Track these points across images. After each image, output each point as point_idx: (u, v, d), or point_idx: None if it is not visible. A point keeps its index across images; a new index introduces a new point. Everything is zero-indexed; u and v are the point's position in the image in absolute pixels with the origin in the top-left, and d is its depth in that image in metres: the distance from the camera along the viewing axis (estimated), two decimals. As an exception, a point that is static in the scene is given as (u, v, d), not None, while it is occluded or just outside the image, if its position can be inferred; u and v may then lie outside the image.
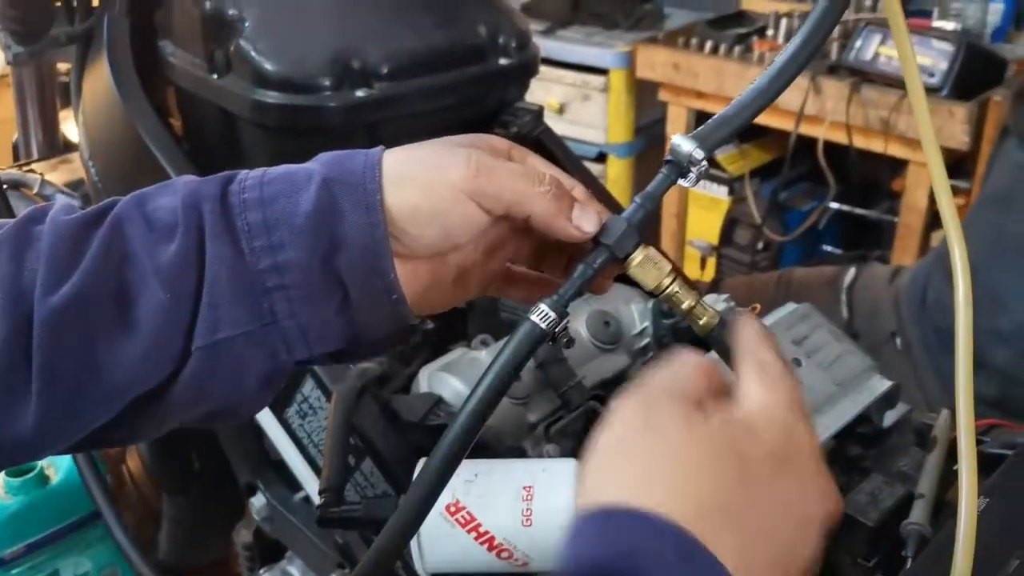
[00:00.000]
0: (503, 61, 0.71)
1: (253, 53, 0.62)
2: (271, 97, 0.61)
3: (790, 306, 0.56)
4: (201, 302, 0.41)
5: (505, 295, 0.47)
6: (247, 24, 0.63)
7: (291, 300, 0.41)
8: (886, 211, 1.88)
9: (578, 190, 0.43)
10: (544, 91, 2.34)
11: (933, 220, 1.79)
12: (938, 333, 0.86)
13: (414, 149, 0.43)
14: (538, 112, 0.75)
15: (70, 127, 0.97)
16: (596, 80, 2.26)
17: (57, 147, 0.93)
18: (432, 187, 0.40)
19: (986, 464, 0.52)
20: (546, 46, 2.30)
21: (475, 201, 0.40)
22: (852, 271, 1.03)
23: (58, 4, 0.84)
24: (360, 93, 0.63)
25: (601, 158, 2.37)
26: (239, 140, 0.67)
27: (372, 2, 0.68)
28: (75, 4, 0.83)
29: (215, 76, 0.65)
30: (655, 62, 2.02)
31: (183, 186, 0.42)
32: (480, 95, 0.70)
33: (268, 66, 0.61)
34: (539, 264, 0.45)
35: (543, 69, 2.63)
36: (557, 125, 2.42)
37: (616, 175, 2.35)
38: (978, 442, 0.54)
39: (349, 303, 0.42)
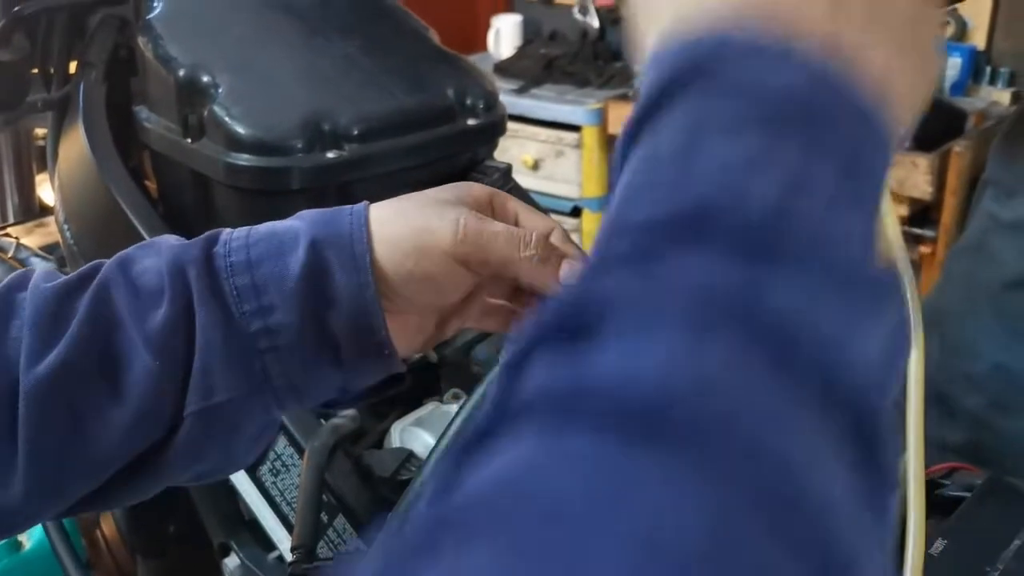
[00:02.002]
0: (471, 121, 0.72)
1: (226, 118, 0.64)
2: (244, 160, 0.63)
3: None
4: (192, 367, 0.41)
5: (482, 327, 0.47)
6: (220, 90, 0.65)
7: (283, 360, 0.42)
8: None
9: (556, 233, 0.44)
10: (519, 148, 2.38)
11: (902, 268, 1.82)
12: (931, 395, 0.87)
13: (401, 205, 0.43)
14: (506, 169, 0.77)
15: (46, 191, 0.98)
16: (569, 136, 2.30)
17: (33, 211, 0.94)
18: (422, 252, 0.41)
19: (946, 507, 0.53)
20: (520, 104, 2.36)
21: (464, 265, 0.41)
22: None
23: (35, 72, 0.85)
24: (331, 155, 0.64)
25: (576, 212, 2.41)
26: (213, 202, 0.68)
27: (343, 67, 0.70)
28: (52, 72, 0.84)
29: (189, 140, 0.66)
30: (626, 118, 2.06)
31: (167, 248, 0.43)
32: (450, 155, 0.72)
33: (240, 130, 0.63)
34: (516, 298, 0.46)
35: (518, 126, 2.68)
36: (532, 181, 2.47)
37: (591, 228, 2.38)
38: (939, 485, 0.55)
39: (341, 359, 0.42)
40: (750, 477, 0.19)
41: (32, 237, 0.87)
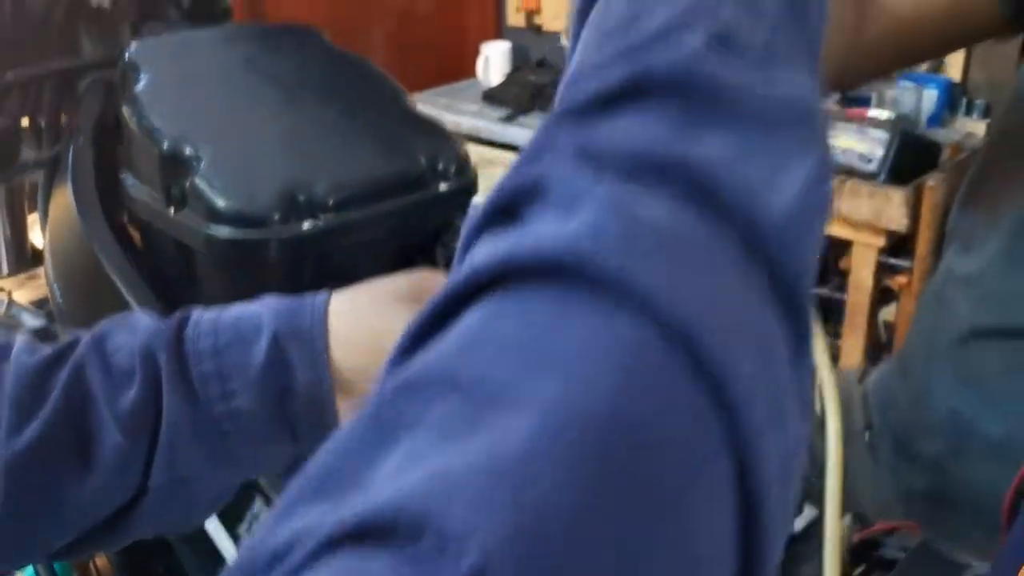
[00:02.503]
0: (443, 186, 0.76)
1: (207, 190, 0.67)
2: (223, 232, 0.66)
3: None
4: (158, 443, 0.44)
5: None
6: (202, 162, 0.68)
7: (244, 439, 0.45)
8: (835, 289, 1.95)
9: None
10: (507, 175, 2.41)
11: (880, 298, 1.86)
12: (896, 437, 0.90)
13: (358, 303, 0.47)
14: (478, 230, 0.80)
15: (37, 233, 1.01)
16: (556, 164, 2.33)
17: (25, 260, 0.97)
18: (377, 351, 0.44)
19: (886, 567, 0.56)
20: (507, 133, 2.40)
21: None
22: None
23: (25, 125, 0.88)
24: (307, 225, 0.67)
25: (563, 238, 2.43)
26: (195, 267, 0.71)
27: (320, 134, 0.73)
28: (43, 128, 0.88)
29: (172, 210, 0.69)
30: None
31: (142, 328, 0.46)
32: (422, 220, 0.75)
33: (220, 202, 0.66)
34: None
35: (506, 155, 2.72)
36: (520, 207, 2.49)
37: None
38: (879, 545, 0.59)
39: (297, 436, 0.46)
40: (668, 314, 0.21)
41: (24, 291, 0.90)
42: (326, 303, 0.46)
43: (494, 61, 2.68)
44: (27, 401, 0.44)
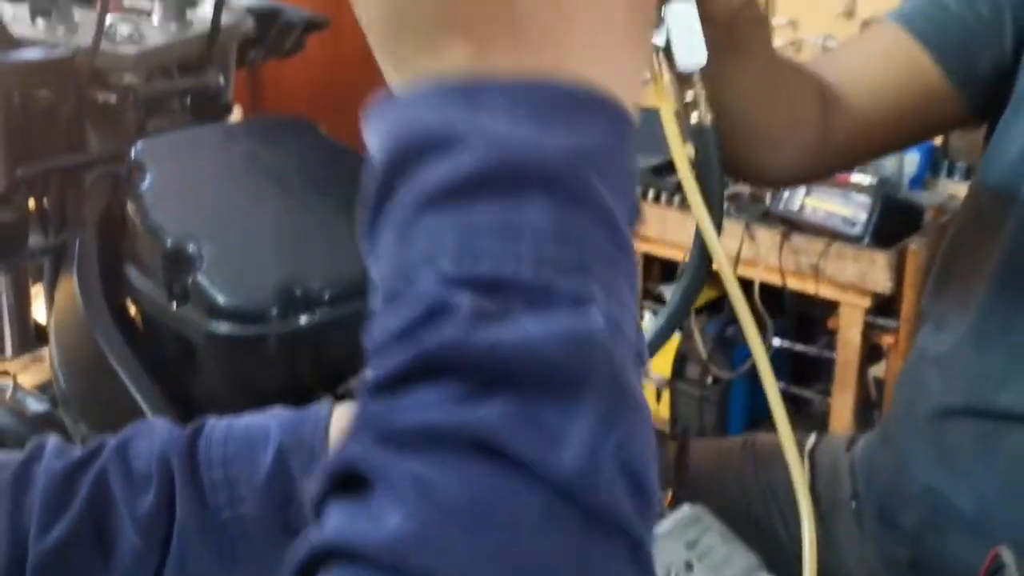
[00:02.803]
0: (435, 275, 0.79)
1: (209, 287, 0.70)
2: (223, 328, 0.69)
3: (685, 509, 0.64)
4: (171, 545, 0.48)
5: None
6: (204, 260, 0.71)
7: (251, 543, 0.49)
8: (824, 347, 1.98)
9: None
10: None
11: (869, 356, 1.89)
12: (879, 507, 0.93)
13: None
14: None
15: (39, 308, 1.03)
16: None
17: (30, 342, 0.99)
18: None
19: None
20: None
21: None
22: (813, 437, 1.11)
23: (32, 209, 0.92)
24: (303, 320, 0.71)
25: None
26: (194, 359, 0.74)
27: (314, 230, 0.77)
28: (49, 217, 0.91)
29: (173, 305, 0.73)
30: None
31: (159, 434, 0.50)
32: (414, 308, 0.78)
33: (221, 299, 0.69)
34: None
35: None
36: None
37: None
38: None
39: None
40: None
41: (28, 374, 0.93)
42: (328, 415, 0.49)
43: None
44: (55, 503, 0.48)
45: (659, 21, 0.49)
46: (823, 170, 0.84)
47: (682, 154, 0.51)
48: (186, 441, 0.49)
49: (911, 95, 0.78)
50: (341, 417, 0.49)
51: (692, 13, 0.49)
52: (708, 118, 0.54)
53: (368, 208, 0.31)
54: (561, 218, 0.27)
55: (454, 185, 0.28)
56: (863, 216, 1.74)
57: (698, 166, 0.53)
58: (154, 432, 0.51)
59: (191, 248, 0.72)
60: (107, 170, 0.87)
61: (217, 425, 0.50)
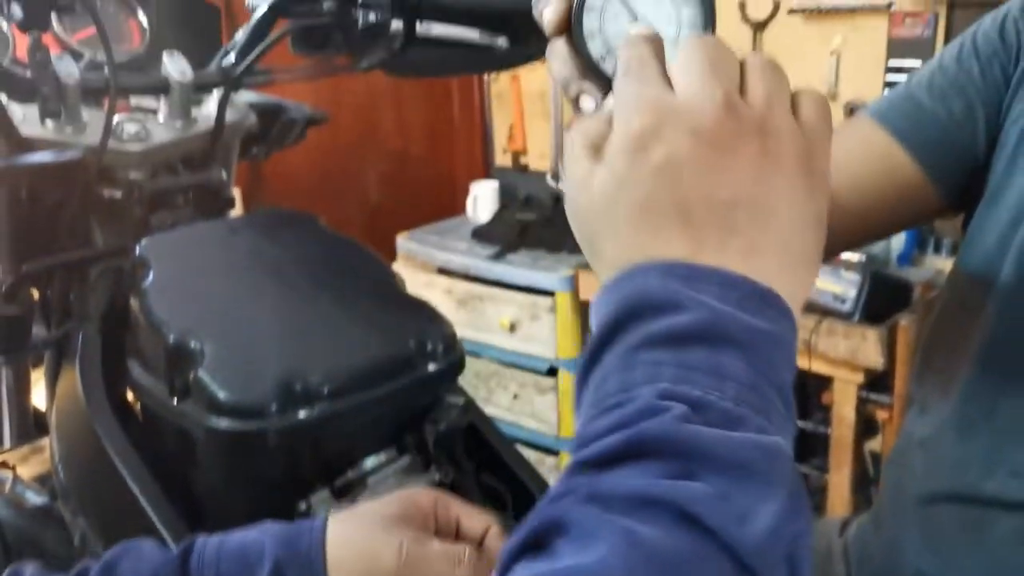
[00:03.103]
0: (432, 367, 0.80)
1: (210, 383, 0.71)
2: (223, 424, 0.70)
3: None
4: None
5: None
6: (206, 356, 0.73)
7: None
8: (820, 423, 1.98)
9: (492, 532, 0.52)
10: (496, 311, 2.48)
11: (864, 431, 1.89)
12: None
13: (351, 527, 0.51)
14: (466, 405, 0.85)
15: (40, 393, 1.04)
16: (544, 301, 2.40)
17: (29, 433, 1.00)
18: (370, 573, 0.49)
19: None
20: (496, 270, 2.48)
21: None
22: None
23: (35, 301, 0.94)
24: (302, 415, 0.72)
25: (552, 372, 2.48)
26: (195, 453, 0.75)
27: (314, 324, 0.79)
28: (53, 310, 0.93)
29: (175, 401, 0.74)
30: (596, 285, 2.17)
31: (148, 558, 0.50)
32: (412, 400, 0.80)
33: (221, 396, 0.71)
34: None
35: (496, 291, 2.77)
36: (510, 342, 2.55)
37: (566, 387, 2.45)
38: None
39: None
40: None
41: (28, 466, 0.93)
42: (323, 527, 0.50)
43: (483, 199, 2.79)
44: None
45: None
46: None
47: None
48: (178, 562, 0.50)
49: (889, 188, 0.81)
50: (336, 528, 0.50)
51: None
52: None
53: (586, 356, 0.38)
54: (754, 375, 0.35)
55: (673, 333, 0.35)
56: (853, 293, 1.77)
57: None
58: (142, 554, 0.51)
59: (193, 344, 0.74)
60: (111, 264, 0.89)
61: (209, 542, 0.51)
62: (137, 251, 0.82)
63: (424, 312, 0.85)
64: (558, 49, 0.52)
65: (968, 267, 0.82)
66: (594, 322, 0.39)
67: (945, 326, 0.87)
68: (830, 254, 0.96)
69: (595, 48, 0.50)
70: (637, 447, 0.32)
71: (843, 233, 0.83)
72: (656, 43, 0.44)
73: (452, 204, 2.94)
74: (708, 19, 0.51)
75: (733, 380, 0.34)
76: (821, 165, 0.42)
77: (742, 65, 0.41)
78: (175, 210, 0.94)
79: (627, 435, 0.33)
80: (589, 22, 0.50)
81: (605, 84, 0.51)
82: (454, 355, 0.85)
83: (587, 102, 0.52)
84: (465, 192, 2.85)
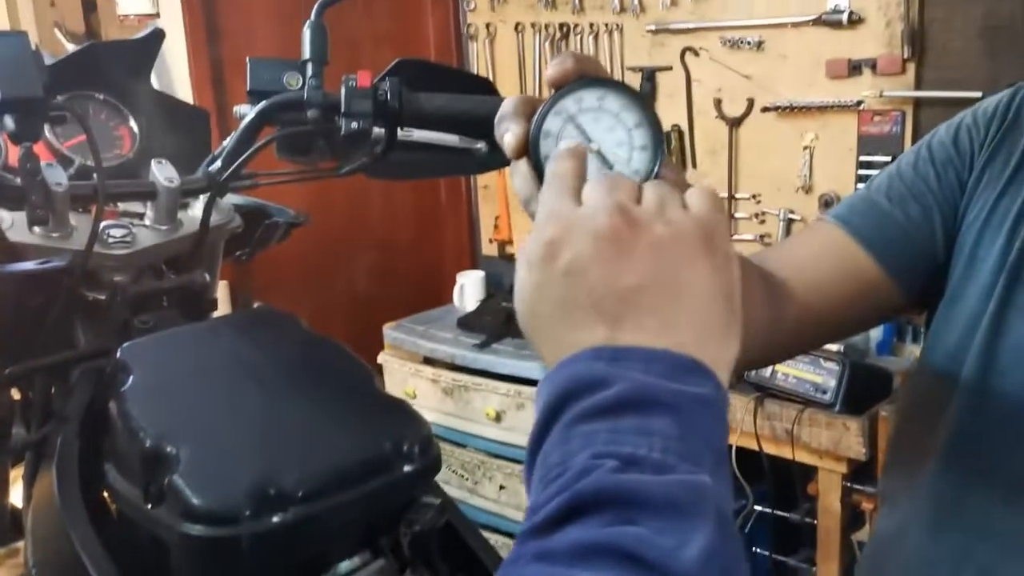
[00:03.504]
0: (408, 468, 0.81)
1: (184, 489, 0.72)
2: (196, 530, 0.70)
3: None
4: None
5: None
6: (181, 461, 0.74)
7: None
8: (806, 514, 1.97)
9: None
10: (482, 400, 2.48)
11: (851, 522, 1.88)
12: None
13: None
14: (442, 505, 0.85)
15: (17, 491, 1.04)
16: (529, 390, 2.40)
17: (5, 532, 1.00)
18: None
19: None
20: (481, 359, 2.49)
21: None
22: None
23: (16, 398, 0.94)
24: (276, 519, 0.72)
25: (538, 463, 2.46)
26: (168, 558, 0.75)
27: (290, 426, 0.80)
28: (33, 410, 0.94)
29: (149, 505, 0.74)
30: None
31: None
32: (387, 501, 0.80)
33: (195, 502, 0.71)
34: None
35: (481, 380, 2.76)
36: (495, 432, 2.54)
37: (553, 479, 2.42)
38: None
39: None
40: None
41: (3, 568, 0.93)
42: None
43: (469, 289, 2.82)
44: None
45: None
46: (776, 355, 0.88)
47: None
48: None
49: (853, 287, 0.83)
50: None
51: None
52: None
53: (530, 441, 0.42)
54: (682, 430, 0.39)
55: (604, 405, 0.39)
56: (833, 383, 1.79)
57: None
58: None
59: (168, 449, 0.74)
60: (93, 366, 0.90)
61: None
62: (118, 354, 0.83)
63: (401, 412, 0.86)
64: (519, 169, 0.55)
65: (932, 365, 0.84)
66: (535, 412, 0.43)
67: (911, 422, 0.88)
68: (803, 350, 0.98)
69: None
70: (576, 505, 0.36)
71: (812, 330, 0.85)
72: (577, 159, 0.50)
73: (439, 294, 2.97)
74: (658, 142, 0.54)
75: (660, 435, 0.38)
76: (721, 245, 0.46)
77: (640, 187, 0.48)
78: (158, 311, 0.95)
79: (566, 496, 0.36)
80: (546, 146, 0.54)
81: None
82: (430, 455, 0.86)
83: None
84: (452, 282, 2.88)
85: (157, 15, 2.15)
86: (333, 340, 0.94)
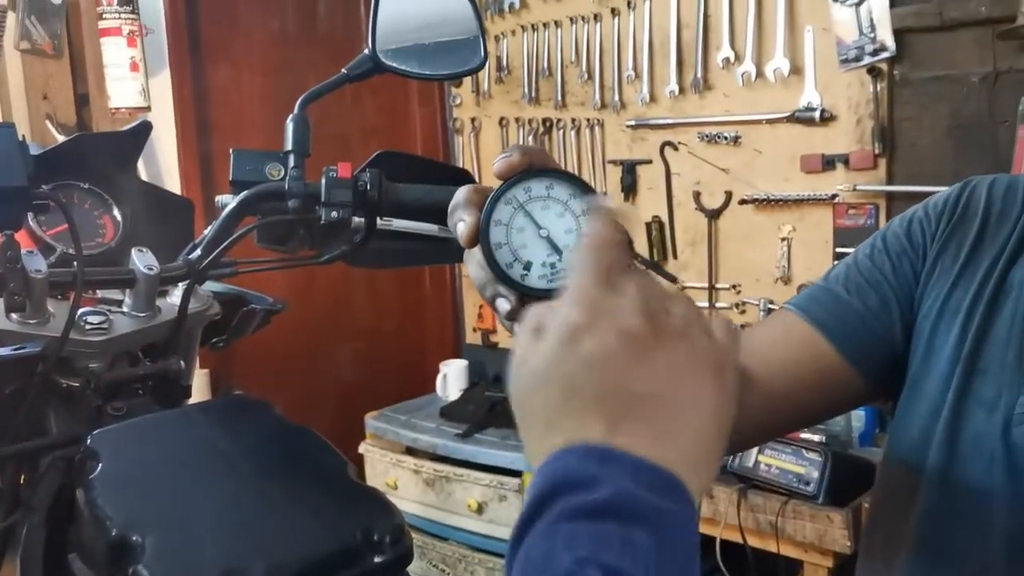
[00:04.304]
0: (378, 559, 0.80)
1: (148, 579, 0.71)
2: (159, 623, 0.69)
3: None
4: None
5: None
6: (146, 552, 0.72)
7: None
8: (793, 609, 1.93)
9: None
10: (463, 491, 2.44)
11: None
12: None
13: None
14: (413, 598, 0.83)
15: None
16: (511, 481, 2.38)
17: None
18: None
19: None
20: (464, 449, 2.46)
21: None
22: None
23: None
24: (242, 611, 0.71)
25: (520, 557, 2.41)
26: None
27: (260, 516, 0.79)
28: (1, 497, 0.92)
29: (113, 598, 0.73)
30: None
31: None
32: (356, 594, 0.79)
33: (159, 594, 0.70)
34: None
35: (463, 471, 2.74)
36: (477, 524, 2.50)
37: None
38: None
39: None
40: None
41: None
42: None
43: (452, 378, 2.81)
44: None
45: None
46: (743, 443, 0.88)
47: None
48: None
49: (815, 375, 0.83)
50: None
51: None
52: None
53: (515, 530, 0.42)
54: (661, 549, 0.39)
55: (591, 508, 0.40)
56: (816, 474, 1.77)
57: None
58: None
59: (135, 538, 0.73)
60: (63, 454, 0.89)
61: None
62: (88, 442, 0.83)
63: (373, 501, 0.85)
64: (474, 257, 0.56)
65: (898, 454, 0.84)
66: (525, 501, 0.43)
67: (881, 512, 0.88)
68: (769, 438, 0.98)
69: (503, 256, 0.55)
70: None
71: (777, 417, 0.85)
72: (614, 248, 0.50)
73: (422, 382, 2.96)
74: None
75: (642, 551, 0.39)
76: (728, 375, 0.47)
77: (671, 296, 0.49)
78: (132, 398, 0.95)
79: None
80: (496, 235, 0.55)
81: (515, 288, 0.55)
82: (402, 546, 0.84)
83: (502, 304, 0.56)
84: (435, 370, 2.87)
85: (148, 108, 2.20)
86: (307, 428, 0.93)
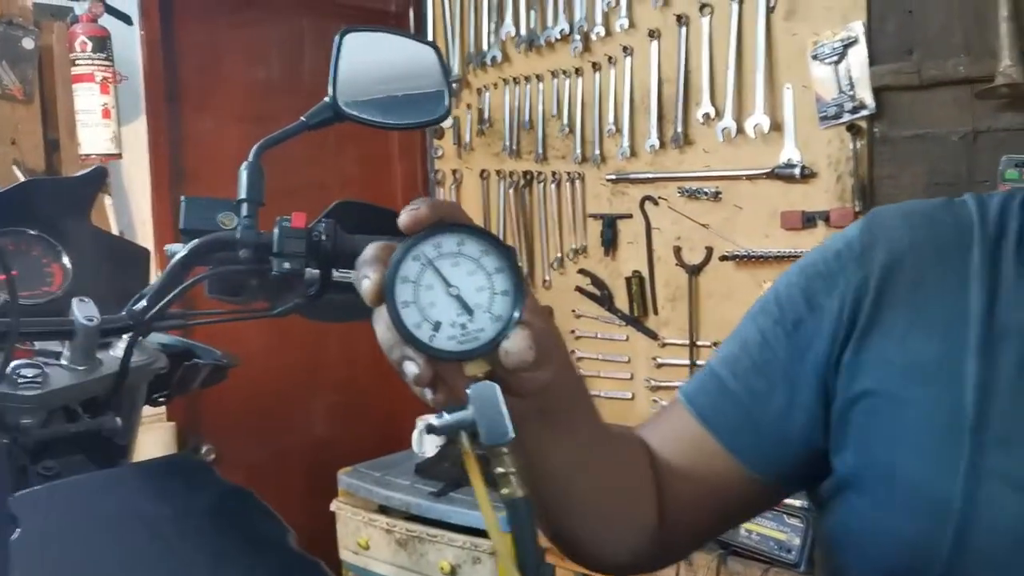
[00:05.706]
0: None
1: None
2: None
3: None
4: None
5: None
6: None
7: None
8: None
9: None
10: (436, 553, 2.37)
11: None
12: None
13: None
14: None
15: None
16: (486, 543, 2.30)
17: None
18: None
19: None
20: (438, 508, 2.39)
21: None
22: None
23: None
24: None
25: (493, 623, 2.33)
26: None
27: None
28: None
29: None
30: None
31: None
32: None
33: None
34: None
35: (436, 531, 2.67)
36: (449, 588, 2.39)
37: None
38: None
39: None
40: None
41: None
42: None
43: (428, 434, 2.74)
44: None
45: (464, 399, 0.52)
46: (669, 552, 0.77)
47: (494, 526, 0.53)
48: None
49: (714, 478, 0.72)
50: None
51: (496, 391, 0.52)
52: (519, 492, 0.53)
53: None
54: None
55: None
56: (797, 541, 1.72)
57: (514, 538, 0.53)
58: None
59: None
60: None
61: None
62: (9, 505, 0.77)
63: (311, 571, 0.80)
64: (381, 316, 0.52)
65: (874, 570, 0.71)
66: None
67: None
68: (701, 543, 0.85)
69: (410, 316, 0.51)
70: None
71: (696, 518, 0.75)
72: None
73: (398, 438, 2.89)
74: (519, 287, 0.53)
75: None
76: None
77: None
78: (65, 458, 0.90)
79: None
80: (403, 292, 0.51)
81: (423, 351, 0.51)
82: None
83: (410, 367, 0.52)
84: (411, 426, 2.81)
85: (119, 155, 2.17)
86: (248, 491, 0.88)
